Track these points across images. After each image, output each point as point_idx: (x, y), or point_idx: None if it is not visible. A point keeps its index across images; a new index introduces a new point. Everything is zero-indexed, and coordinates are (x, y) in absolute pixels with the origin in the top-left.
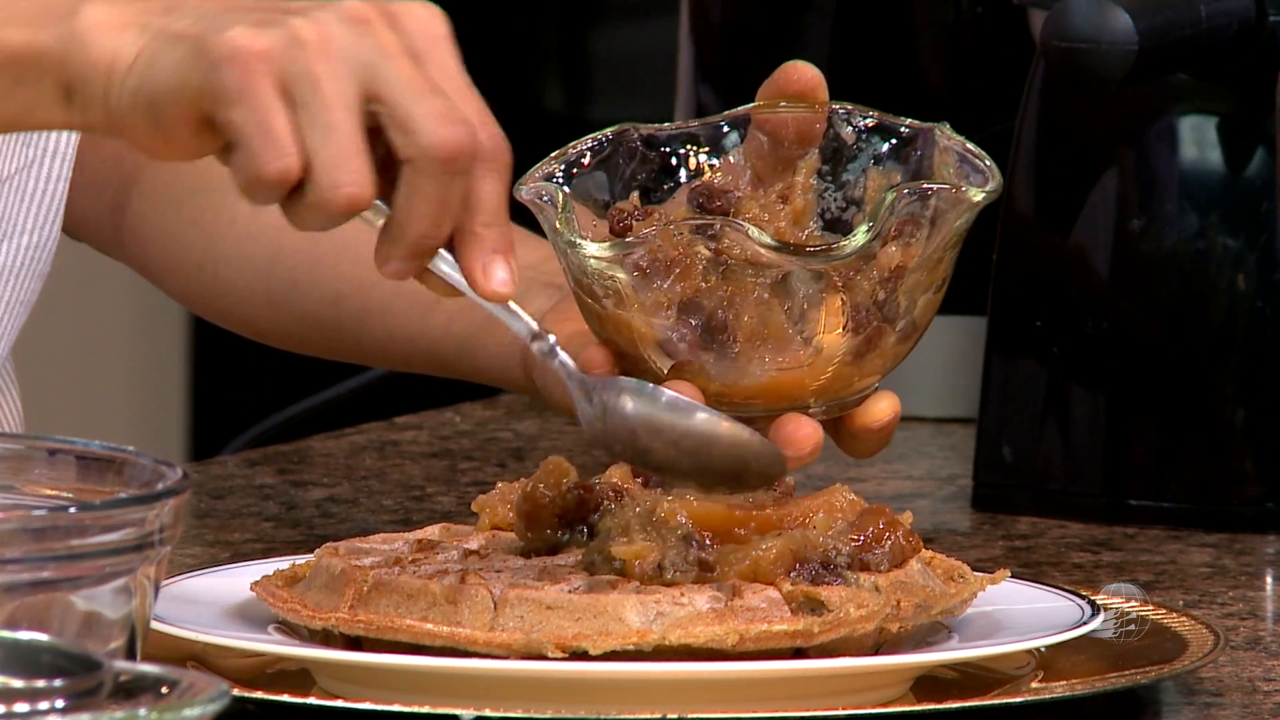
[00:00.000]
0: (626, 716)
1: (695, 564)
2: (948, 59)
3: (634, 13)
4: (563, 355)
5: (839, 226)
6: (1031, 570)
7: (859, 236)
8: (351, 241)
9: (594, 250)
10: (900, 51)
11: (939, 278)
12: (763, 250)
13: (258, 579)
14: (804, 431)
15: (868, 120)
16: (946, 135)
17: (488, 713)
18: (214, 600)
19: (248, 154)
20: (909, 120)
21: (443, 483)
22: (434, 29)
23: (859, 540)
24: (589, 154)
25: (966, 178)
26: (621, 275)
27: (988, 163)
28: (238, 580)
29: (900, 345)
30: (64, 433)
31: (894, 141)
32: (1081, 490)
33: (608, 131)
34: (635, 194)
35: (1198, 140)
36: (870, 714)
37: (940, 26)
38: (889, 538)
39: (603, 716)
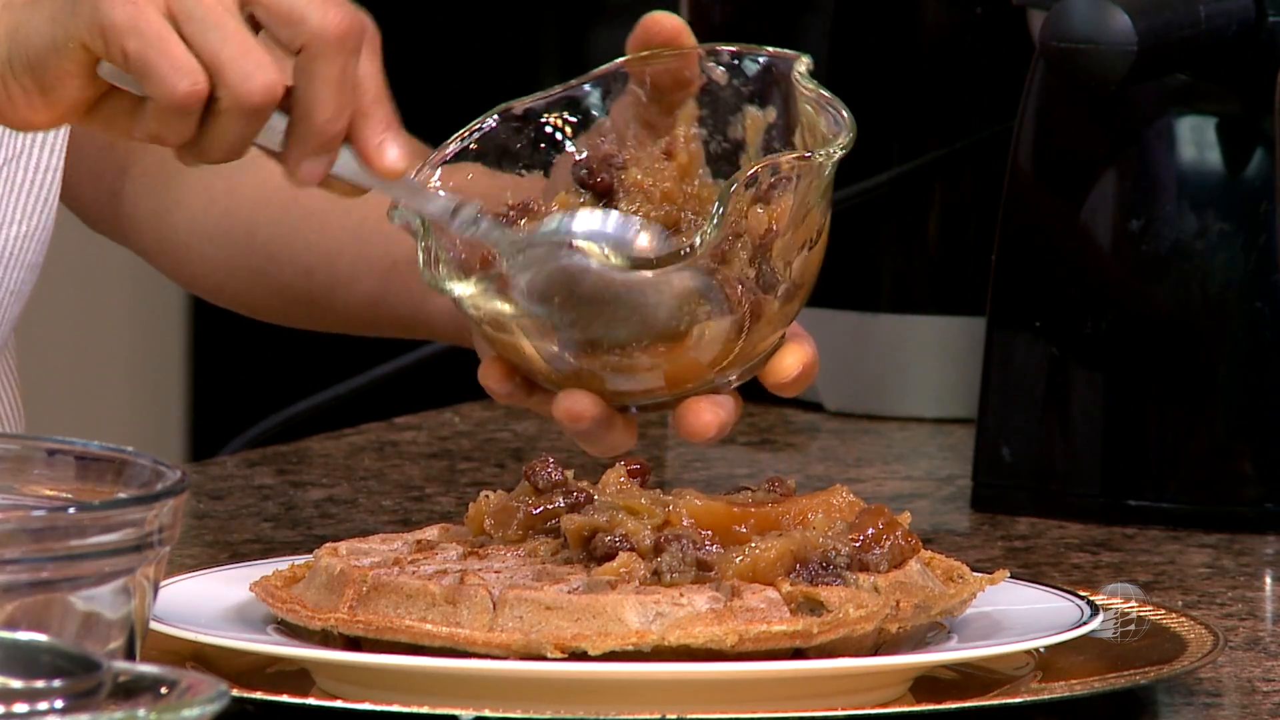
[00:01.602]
0: (626, 717)
1: (694, 564)
2: (947, 59)
3: (634, 13)
4: (484, 222)
5: (727, 169)
6: (1031, 571)
7: (709, 231)
8: (317, 211)
9: (460, 291)
10: (900, 51)
11: (811, 233)
12: (615, 271)
13: (257, 579)
14: (704, 419)
15: (732, 50)
16: (803, 83)
17: (487, 713)
18: (213, 601)
19: (154, 82)
20: (769, 49)
21: (442, 483)
22: None
23: (858, 541)
24: (472, 145)
25: (828, 117)
26: (497, 305)
27: (845, 114)
28: (237, 581)
29: (787, 306)
30: (63, 433)
31: (759, 68)
32: (1081, 491)
33: (486, 118)
34: (508, 194)
35: (1197, 140)
36: (870, 714)
37: (940, 26)
38: (888, 538)
39: (602, 717)
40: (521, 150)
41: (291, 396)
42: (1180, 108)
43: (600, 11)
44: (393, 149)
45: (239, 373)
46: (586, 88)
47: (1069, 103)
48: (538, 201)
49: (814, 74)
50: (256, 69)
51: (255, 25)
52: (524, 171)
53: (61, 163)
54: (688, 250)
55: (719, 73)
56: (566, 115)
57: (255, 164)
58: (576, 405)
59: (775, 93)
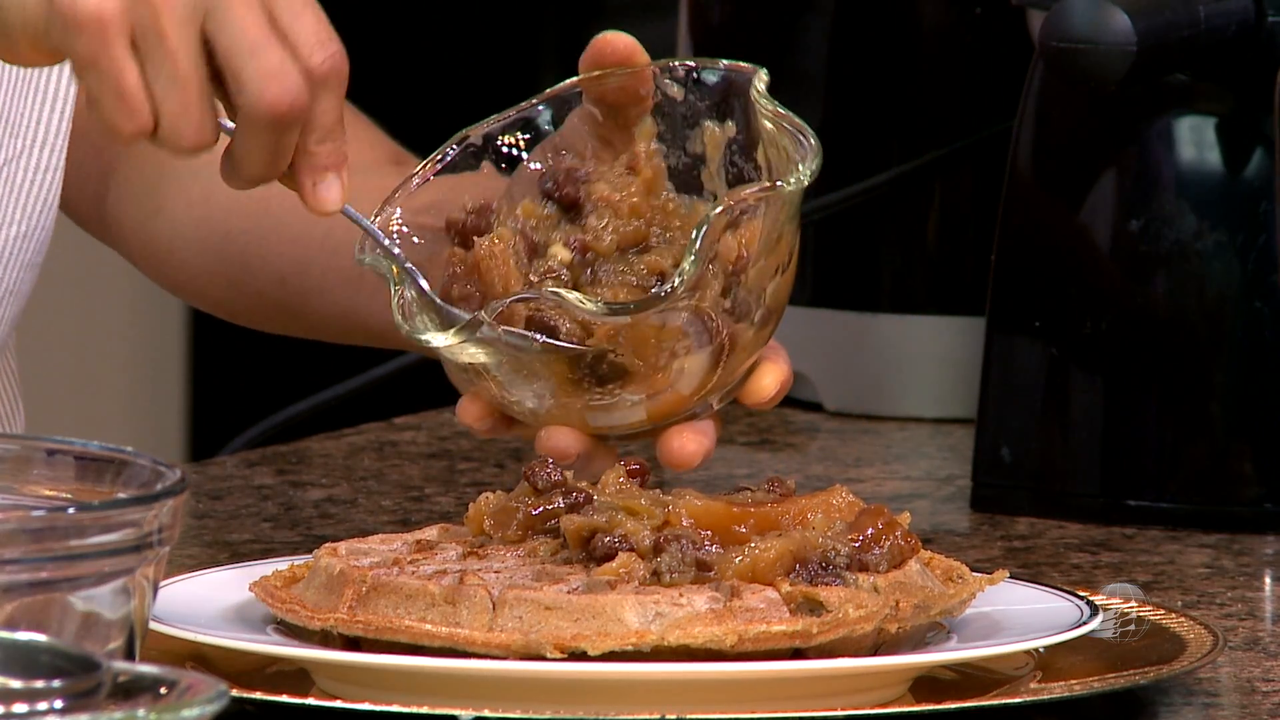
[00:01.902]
0: (625, 717)
1: (693, 564)
2: (947, 59)
3: (634, 13)
4: (411, 291)
5: (689, 184)
6: (1030, 571)
7: (686, 270)
8: (289, 220)
9: (438, 342)
10: (900, 51)
11: (783, 258)
12: (593, 317)
13: (257, 579)
14: (689, 450)
15: (688, 65)
16: (761, 100)
17: (486, 713)
18: (213, 601)
19: (103, 113)
20: (725, 62)
21: (441, 483)
22: None
23: (858, 541)
24: (433, 176)
25: (792, 137)
26: (475, 353)
27: (811, 139)
28: (237, 581)
29: (762, 330)
30: (63, 433)
31: (716, 81)
32: (1080, 491)
33: (447, 147)
34: (466, 198)
35: (1196, 140)
36: (869, 714)
37: (940, 26)
38: (887, 538)
39: (602, 717)
40: (485, 172)
41: (291, 396)
42: (1180, 108)
43: (600, 11)
44: (325, 190)
45: (239, 373)
46: (540, 108)
47: (1069, 103)
48: (501, 203)
49: (772, 89)
50: (188, 130)
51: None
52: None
53: (62, 163)
54: (666, 293)
55: (674, 89)
56: (521, 135)
57: None
58: (561, 442)
59: (735, 106)
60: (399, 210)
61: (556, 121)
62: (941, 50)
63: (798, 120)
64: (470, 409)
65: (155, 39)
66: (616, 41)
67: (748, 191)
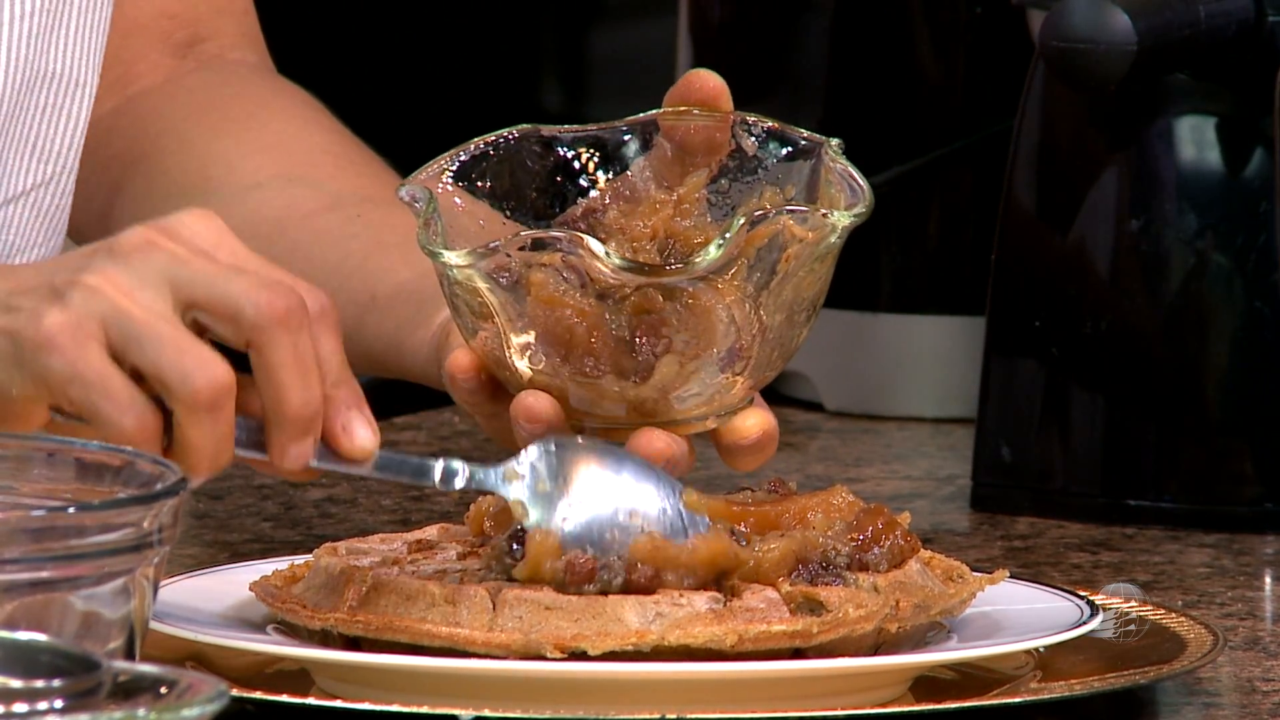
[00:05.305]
0: (625, 717)
1: None
2: (947, 59)
3: (633, 13)
4: (466, 473)
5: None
6: (1030, 570)
7: (712, 251)
8: (301, 244)
9: (450, 259)
10: (900, 51)
11: (802, 300)
12: (606, 269)
13: (256, 579)
14: (655, 447)
15: (767, 126)
16: (831, 155)
17: (487, 713)
18: (213, 600)
19: (102, 426)
20: (806, 133)
21: None
22: (211, 226)
23: (858, 540)
24: (491, 152)
25: (848, 190)
26: (481, 284)
27: (865, 191)
28: (237, 580)
29: (760, 370)
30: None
31: (790, 149)
32: (1080, 490)
33: (512, 131)
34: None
35: (1196, 140)
36: (870, 714)
37: (940, 26)
38: (887, 538)
39: (602, 717)
40: (536, 171)
41: None
42: (1179, 107)
43: (600, 11)
44: (358, 431)
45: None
46: (624, 132)
47: (1069, 103)
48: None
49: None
50: (196, 367)
51: (201, 330)
52: (534, 194)
53: (73, 186)
54: (685, 265)
55: (749, 143)
56: (592, 151)
57: (242, 197)
58: (537, 404)
59: (800, 172)
60: (456, 165)
61: (636, 148)
62: (941, 50)
63: (861, 178)
64: (462, 359)
65: (125, 321)
66: (708, 79)
67: (793, 203)
